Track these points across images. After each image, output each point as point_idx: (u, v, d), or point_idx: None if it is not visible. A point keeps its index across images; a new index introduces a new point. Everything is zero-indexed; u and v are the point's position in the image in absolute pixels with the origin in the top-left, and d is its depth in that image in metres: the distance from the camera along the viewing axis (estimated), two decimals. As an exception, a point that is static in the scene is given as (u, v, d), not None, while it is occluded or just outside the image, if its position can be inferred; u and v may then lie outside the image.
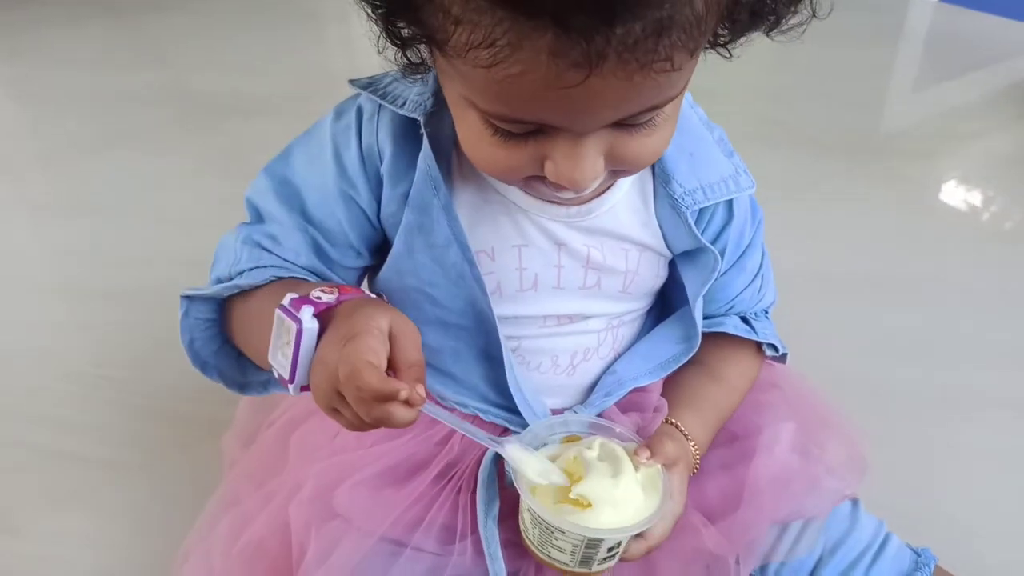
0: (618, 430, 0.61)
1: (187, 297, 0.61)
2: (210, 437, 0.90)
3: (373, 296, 0.53)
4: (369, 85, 0.59)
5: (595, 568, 0.58)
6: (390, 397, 0.44)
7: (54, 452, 0.92)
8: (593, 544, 0.55)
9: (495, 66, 0.40)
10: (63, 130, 1.68)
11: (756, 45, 0.48)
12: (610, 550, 0.56)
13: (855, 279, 1.19)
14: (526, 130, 0.46)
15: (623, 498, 0.55)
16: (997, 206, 1.42)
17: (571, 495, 0.55)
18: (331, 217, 0.60)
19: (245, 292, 0.59)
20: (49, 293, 1.21)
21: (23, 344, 1.09)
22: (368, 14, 0.47)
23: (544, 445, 0.61)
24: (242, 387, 0.66)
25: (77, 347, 1.09)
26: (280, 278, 0.58)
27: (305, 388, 0.50)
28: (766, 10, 0.46)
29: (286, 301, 0.50)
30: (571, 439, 0.61)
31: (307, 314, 0.48)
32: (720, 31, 0.46)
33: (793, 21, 0.47)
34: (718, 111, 0.67)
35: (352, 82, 0.60)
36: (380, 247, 0.63)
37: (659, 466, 0.58)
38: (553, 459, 0.58)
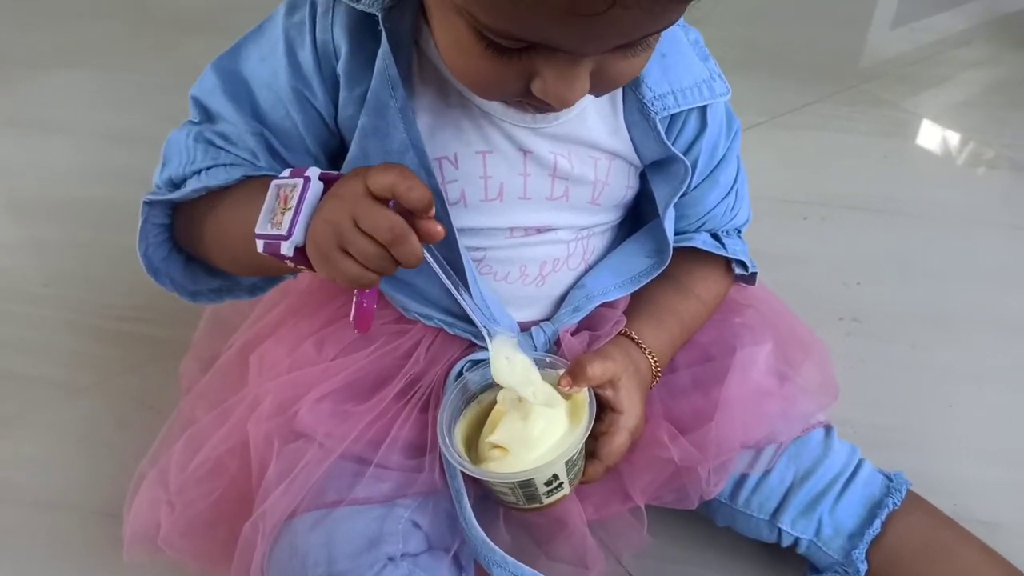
0: (548, 360, 0.60)
1: (148, 203, 0.58)
2: (162, 357, 0.88)
3: None
4: None
5: (546, 502, 0.58)
6: (426, 208, 0.46)
7: (3, 372, 0.89)
8: (526, 484, 0.55)
9: None
10: (10, 44, 1.60)
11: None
12: (548, 484, 0.56)
13: (834, 206, 1.19)
14: (521, 46, 0.43)
15: (539, 436, 0.55)
16: (978, 134, 1.41)
17: (487, 445, 0.56)
18: (286, 119, 0.56)
19: (211, 193, 0.56)
20: (-8, 208, 1.16)
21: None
22: None
23: (479, 393, 0.61)
24: (193, 295, 0.63)
25: (25, 266, 1.05)
26: (250, 177, 0.55)
27: (299, 250, 0.49)
28: None
29: (284, 173, 0.51)
30: None
31: (314, 173, 0.49)
32: None
33: None
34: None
35: None
36: (336, 153, 0.60)
37: (585, 390, 0.57)
38: (488, 405, 0.59)
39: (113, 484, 0.71)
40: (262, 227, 0.50)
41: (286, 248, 0.48)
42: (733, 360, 0.66)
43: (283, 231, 0.48)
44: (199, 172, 0.56)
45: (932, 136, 1.42)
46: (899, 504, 0.64)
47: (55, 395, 0.86)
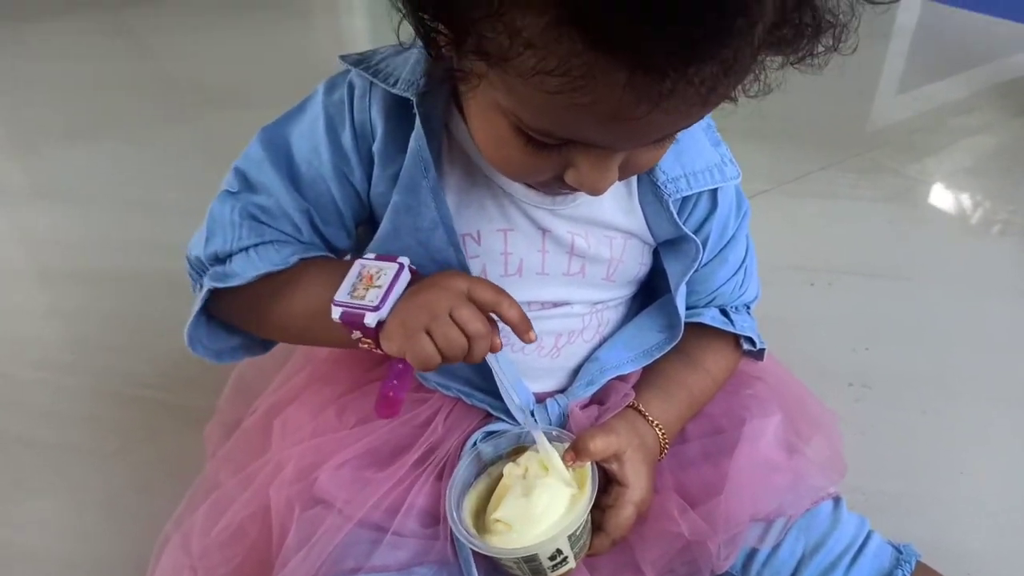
0: (555, 433, 0.61)
1: (212, 290, 0.60)
2: (186, 426, 0.90)
3: None
4: (360, 62, 0.58)
5: (551, 575, 0.58)
6: (527, 324, 0.53)
7: (27, 439, 0.91)
8: (530, 559, 0.56)
9: (561, 93, 0.40)
10: (42, 119, 1.66)
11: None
12: (552, 559, 0.57)
13: (841, 272, 1.20)
14: (560, 142, 0.46)
15: (542, 511, 0.56)
16: (983, 200, 1.43)
17: (492, 520, 0.57)
18: (325, 194, 0.60)
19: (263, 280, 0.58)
20: (25, 280, 1.19)
21: (-3, 331, 1.08)
22: (396, 7, 0.45)
23: (491, 464, 0.62)
24: (217, 354, 0.65)
25: (52, 334, 1.07)
26: (303, 258, 0.59)
27: (379, 324, 0.52)
28: (802, 46, 0.46)
29: (370, 255, 0.55)
30: (515, 453, 0.62)
31: (407, 260, 0.54)
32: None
33: (818, 51, 0.48)
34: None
35: (343, 58, 0.59)
36: (362, 223, 0.63)
37: (588, 464, 0.58)
38: (498, 478, 0.60)
39: (136, 549, 0.72)
40: (342, 296, 0.53)
41: (370, 319, 0.52)
42: (742, 431, 0.67)
43: (370, 304, 0.52)
44: (246, 249, 0.59)
45: (937, 202, 1.44)
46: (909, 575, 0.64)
47: (79, 461, 0.88)
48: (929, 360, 1.03)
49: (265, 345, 0.68)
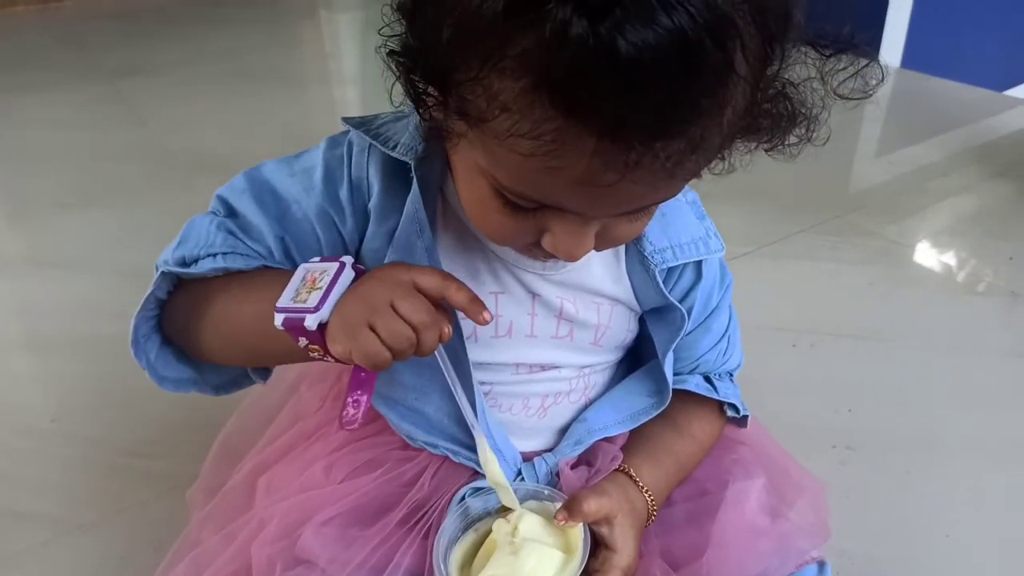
0: (547, 492, 0.61)
1: (163, 274, 0.60)
2: (168, 493, 0.90)
3: None
4: (361, 125, 0.60)
5: None
6: (480, 306, 0.51)
7: (5, 510, 0.90)
8: None
9: (533, 156, 0.42)
10: (35, 187, 1.68)
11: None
12: None
13: (823, 333, 1.21)
14: (535, 205, 0.48)
15: (530, 572, 0.55)
16: (963, 261, 1.45)
17: None
18: (310, 234, 0.60)
19: (226, 275, 0.58)
20: (8, 347, 1.20)
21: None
22: (391, 68, 0.47)
23: (479, 520, 0.62)
24: (161, 379, 0.64)
25: (33, 401, 1.07)
26: (267, 267, 0.59)
27: (321, 327, 0.51)
28: (775, 135, 0.48)
29: (314, 259, 0.55)
30: (504, 511, 0.61)
31: (349, 260, 0.53)
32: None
33: (790, 141, 0.50)
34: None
35: (345, 120, 0.60)
36: None
37: (580, 526, 0.58)
38: (485, 534, 0.60)
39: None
40: (284, 302, 0.52)
41: (310, 321, 0.51)
42: (725, 494, 0.67)
43: (310, 305, 0.51)
44: (215, 255, 0.59)
45: (917, 263, 1.46)
46: (895, 640, 0.63)
47: (60, 532, 0.86)
48: (913, 421, 1.04)
49: (217, 389, 0.66)
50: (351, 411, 0.56)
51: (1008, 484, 0.94)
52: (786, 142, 0.49)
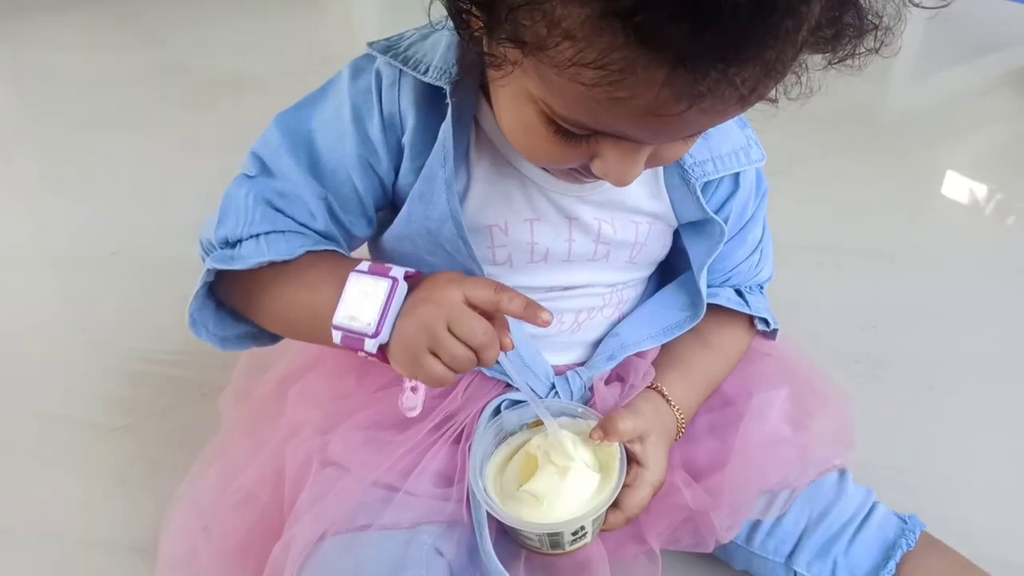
0: (580, 410, 0.62)
1: (212, 270, 0.59)
2: (194, 399, 0.92)
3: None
4: (388, 49, 0.56)
5: (569, 549, 0.59)
6: (536, 309, 0.50)
7: (38, 414, 0.92)
8: (554, 534, 0.57)
9: (597, 86, 0.39)
10: (54, 110, 1.67)
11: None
12: (575, 534, 0.58)
13: (851, 253, 1.20)
14: (589, 132, 0.46)
15: (572, 489, 0.56)
16: (994, 187, 1.43)
17: (521, 492, 0.57)
18: (347, 183, 0.58)
19: (273, 265, 0.57)
20: (36, 264, 1.21)
21: (8, 312, 1.09)
22: None
23: (513, 433, 0.62)
24: (223, 340, 0.64)
25: (61, 314, 1.08)
26: (310, 251, 0.57)
27: (383, 347, 0.52)
28: (844, 46, 0.46)
29: (364, 267, 0.53)
30: (537, 424, 0.62)
31: (400, 273, 0.52)
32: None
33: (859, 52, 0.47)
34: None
35: (370, 45, 0.58)
36: (383, 209, 0.63)
37: (616, 445, 0.59)
38: (519, 447, 0.61)
39: (148, 522, 0.74)
40: (341, 319, 0.52)
41: (370, 346, 0.51)
42: (749, 405, 0.68)
43: (369, 330, 0.51)
44: (257, 236, 0.57)
45: (949, 186, 1.43)
46: (913, 545, 0.64)
47: (92, 436, 0.89)
48: (936, 339, 1.03)
49: (274, 337, 0.66)
50: (410, 396, 0.56)
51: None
52: (855, 54, 0.46)
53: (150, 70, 1.83)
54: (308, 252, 0.57)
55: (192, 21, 2.12)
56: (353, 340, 0.52)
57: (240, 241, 0.58)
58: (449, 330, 0.50)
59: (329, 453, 0.62)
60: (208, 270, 0.58)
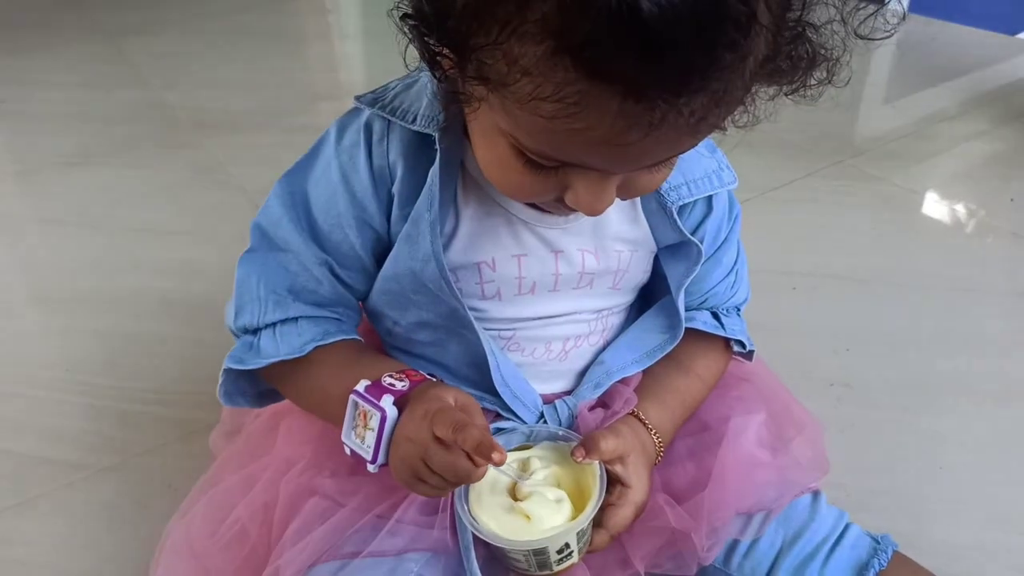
0: (561, 433, 0.64)
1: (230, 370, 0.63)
2: (181, 438, 0.92)
3: (433, 379, 0.60)
4: (375, 101, 0.59)
5: (556, 569, 0.60)
6: (487, 450, 0.51)
7: (24, 456, 0.92)
8: (540, 552, 0.58)
9: (556, 119, 0.42)
10: (39, 146, 1.68)
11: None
12: (560, 552, 0.59)
13: (824, 276, 1.22)
14: (557, 164, 0.48)
15: (553, 510, 0.58)
16: (964, 206, 1.45)
17: (508, 511, 0.59)
18: (344, 242, 0.62)
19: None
20: (21, 303, 1.22)
21: (-5, 352, 1.09)
22: (403, 32, 0.47)
23: None
24: (259, 397, 0.69)
25: (46, 354, 1.09)
26: (320, 345, 0.61)
27: (383, 466, 0.57)
28: (795, 78, 0.48)
29: (361, 388, 0.56)
30: (523, 448, 0.64)
31: (388, 402, 0.55)
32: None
33: (811, 83, 0.49)
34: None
35: (358, 99, 0.60)
36: (384, 256, 0.65)
37: (596, 463, 0.60)
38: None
39: (134, 561, 0.75)
40: (347, 437, 0.57)
41: (372, 468, 0.56)
42: (726, 428, 0.69)
43: (368, 455, 0.56)
44: (272, 325, 0.62)
45: (920, 209, 1.46)
46: (885, 565, 0.65)
47: (78, 477, 0.89)
48: (910, 361, 1.05)
49: None
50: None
51: (1001, 422, 0.96)
52: (807, 85, 0.49)
53: (135, 108, 1.85)
54: (316, 347, 0.61)
55: (177, 60, 2.14)
56: (358, 458, 0.57)
57: (259, 329, 0.63)
58: (427, 466, 0.54)
59: (319, 486, 0.63)
60: (226, 370, 0.63)
